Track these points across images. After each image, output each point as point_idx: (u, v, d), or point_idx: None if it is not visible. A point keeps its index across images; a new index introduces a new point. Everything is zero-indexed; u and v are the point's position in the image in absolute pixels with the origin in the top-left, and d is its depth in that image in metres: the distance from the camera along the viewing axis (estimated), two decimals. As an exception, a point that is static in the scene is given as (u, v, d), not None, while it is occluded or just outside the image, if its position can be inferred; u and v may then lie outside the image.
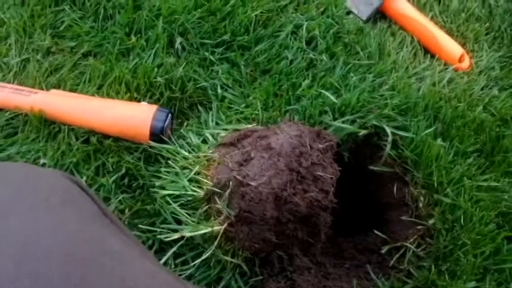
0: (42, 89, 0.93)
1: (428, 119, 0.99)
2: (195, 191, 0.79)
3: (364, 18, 1.19)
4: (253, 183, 0.73)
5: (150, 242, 0.80)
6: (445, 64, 1.17)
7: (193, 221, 0.78)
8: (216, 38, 1.03)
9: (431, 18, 1.25)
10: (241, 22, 1.04)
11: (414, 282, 0.86)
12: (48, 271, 0.40)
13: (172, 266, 0.79)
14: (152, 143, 0.87)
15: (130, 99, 0.93)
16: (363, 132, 0.92)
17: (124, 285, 0.44)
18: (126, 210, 0.83)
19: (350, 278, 0.87)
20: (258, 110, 0.92)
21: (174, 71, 0.95)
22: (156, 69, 0.95)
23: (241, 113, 0.93)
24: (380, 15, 1.24)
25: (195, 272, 0.79)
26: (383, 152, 0.93)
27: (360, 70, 1.05)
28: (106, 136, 0.88)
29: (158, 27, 1.00)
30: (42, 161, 0.85)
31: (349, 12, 1.19)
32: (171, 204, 0.80)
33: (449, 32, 1.24)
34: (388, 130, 0.93)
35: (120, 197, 0.84)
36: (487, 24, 1.28)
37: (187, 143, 0.88)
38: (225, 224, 0.75)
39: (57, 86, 0.94)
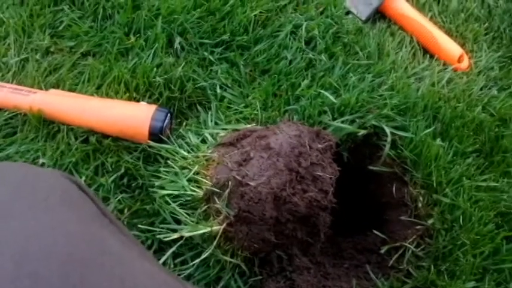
0: (41, 88, 0.93)
1: (427, 119, 0.99)
2: (194, 191, 0.79)
3: (364, 18, 1.19)
4: (252, 183, 0.73)
5: (149, 241, 0.80)
6: (444, 64, 1.17)
7: (192, 221, 0.78)
8: (215, 37, 1.03)
9: (431, 18, 1.25)
10: (241, 22, 1.04)
11: (413, 282, 0.86)
12: (47, 271, 0.40)
13: (172, 266, 0.79)
14: (151, 143, 0.87)
15: (130, 99, 0.93)
16: (362, 132, 0.92)
17: (123, 286, 0.44)
18: (125, 210, 0.83)
19: (349, 278, 0.87)
20: (257, 110, 0.92)
21: (173, 71, 0.95)
22: (155, 69, 0.95)
23: (241, 113, 0.93)
24: (379, 15, 1.24)
25: (194, 272, 0.79)
26: (382, 152, 0.93)
27: (359, 70, 1.05)
28: (105, 136, 0.88)
29: (157, 27, 1.00)
30: (41, 160, 0.85)
31: (348, 12, 1.19)
32: (170, 204, 0.80)
33: (449, 32, 1.24)
34: (387, 130, 0.93)
35: (119, 197, 0.84)
36: (486, 24, 1.28)
37: (186, 143, 0.88)
38: (224, 224, 0.75)
39: (56, 86, 0.94)
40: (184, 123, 0.93)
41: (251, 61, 1.02)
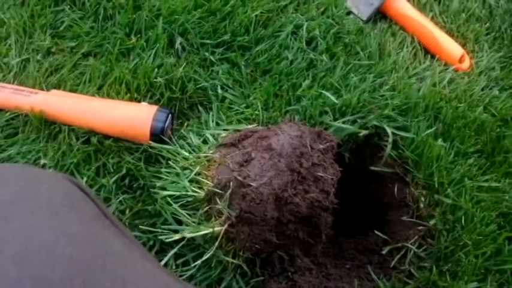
0: (42, 89, 0.93)
1: (428, 119, 0.99)
2: (195, 192, 0.79)
3: (365, 18, 1.19)
4: (253, 184, 0.73)
5: (151, 242, 0.80)
6: (446, 64, 1.17)
7: (194, 222, 0.78)
8: (216, 38, 1.03)
9: (432, 19, 1.25)
10: (242, 22, 1.04)
11: (415, 283, 0.86)
12: (50, 274, 0.40)
13: (173, 267, 0.79)
14: (153, 144, 0.87)
15: (131, 99, 0.93)
16: (363, 132, 0.92)
17: (125, 287, 0.44)
18: (127, 211, 0.83)
19: (351, 278, 0.86)
20: (259, 111, 0.92)
21: (174, 72, 0.95)
22: (156, 69, 0.94)
23: (242, 113, 0.93)
24: (380, 15, 1.24)
25: (196, 273, 0.79)
26: (384, 152, 0.93)
27: (360, 70, 1.05)
28: (106, 136, 0.88)
29: (158, 28, 1.00)
30: (42, 161, 0.85)
31: (349, 13, 1.19)
32: (171, 205, 0.80)
33: (450, 33, 1.24)
34: (389, 130, 0.93)
35: (120, 198, 0.84)
36: (487, 24, 1.28)
37: (187, 144, 0.88)
38: (226, 225, 0.75)
39: (58, 86, 0.94)
40: (185, 124, 0.93)
41: (252, 61, 1.01)
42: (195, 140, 0.87)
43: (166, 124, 0.86)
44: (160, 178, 0.84)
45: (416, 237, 0.89)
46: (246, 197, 0.73)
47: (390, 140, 0.93)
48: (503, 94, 1.13)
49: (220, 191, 0.76)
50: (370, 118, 0.93)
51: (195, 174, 0.81)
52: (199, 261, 0.78)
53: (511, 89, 1.16)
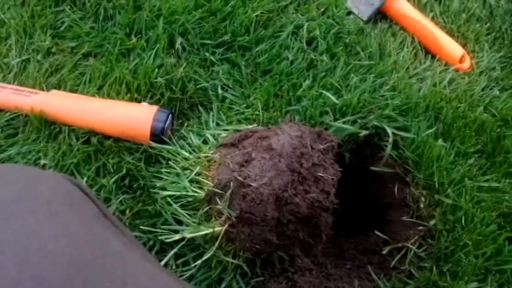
0: (42, 89, 0.93)
1: (429, 119, 0.99)
2: (195, 192, 0.79)
3: (365, 18, 1.19)
4: (254, 184, 0.73)
5: (151, 242, 0.80)
6: (446, 65, 1.17)
7: (194, 222, 0.78)
8: (217, 38, 1.03)
9: (432, 19, 1.25)
10: (242, 22, 1.04)
11: (415, 283, 0.86)
12: (50, 274, 0.40)
13: (174, 267, 0.79)
14: (153, 144, 0.87)
15: (131, 99, 0.93)
16: (363, 132, 0.92)
17: (125, 287, 0.44)
18: (127, 211, 0.83)
19: (351, 278, 0.86)
20: (259, 111, 0.92)
21: (174, 72, 0.95)
22: (156, 69, 0.95)
23: (242, 113, 0.93)
24: (381, 15, 1.24)
25: (196, 273, 0.79)
26: (384, 152, 0.93)
27: (361, 70, 1.05)
28: (107, 137, 0.88)
29: (158, 28, 1.00)
30: (42, 161, 0.85)
31: (349, 13, 1.19)
32: (171, 205, 0.80)
33: (450, 33, 1.24)
34: (389, 131, 0.93)
35: (120, 198, 0.84)
36: (488, 24, 1.28)
37: (187, 144, 0.88)
38: (226, 225, 0.75)
39: (58, 87, 0.94)
40: (185, 124, 0.93)
41: (252, 62, 1.01)
42: (195, 140, 0.87)
43: (167, 124, 0.86)
44: (160, 178, 0.84)
45: (416, 238, 0.89)
46: (246, 197, 0.73)
47: (390, 140, 0.92)
48: (504, 94, 1.13)
49: (220, 191, 0.76)
50: (371, 118, 0.93)
51: (195, 175, 0.81)
52: (199, 262, 0.78)
53: (511, 89, 1.16)
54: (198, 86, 0.96)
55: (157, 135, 0.86)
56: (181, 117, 0.95)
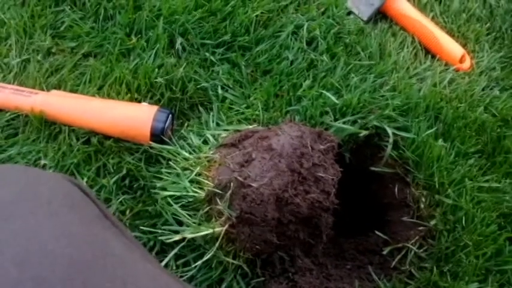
0: (42, 89, 0.93)
1: (429, 119, 0.99)
2: (196, 192, 0.79)
3: (365, 18, 1.19)
4: (254, 185, 0.73)
5: (151, 243, 0.80)
6: (446, 65, 1.17)
7: (194, 222, 0.78)
8: (217, 38, 1.02)
9: (432, 19, 1.25)
10: (242, 22, 1.04)
11: (416, 284, 0.86)
12: (50, 275, 0.40)
13: (174, 268, 0.79)
14: (153, 144, 0.86)
15: (131, 99, 0.93)
16: (364, 133, 0.92)
17: (126, 288, 0.44)
18: (127, 212, 0.83)
19: (352, 279, 0.86)
20: (259, 111, 0.92)
21: (174, 72, 0.95)
22: (156, 69, 0.94)
23: (242, 113, 0.93)
24: (381, 15, 1.24)
25: (196, 274, 0.79)
26: (384, 152, 0.93)
27: (361, 71, 1.05)
28: (107, 137, 0.88)
29: (159, 28, 1.00)
30: (43, 161, 0.85)
31: (349, 13, 1.19)
32: (172, 206, 0.79)
33: (450, 33, 1.24)
34: (389, 131, 0.93)
35: (121, 198, 0.84)
36: (488, 24, 1.28)
37: (188, 144, 0.88)
38: (226, 225, 0.75)
39: (58, 87, 0.94)
40: (185, 124, 0.93)
41: (252, 62, 1.01)
42: (196, 141, 0.87)
43: (167, 124, 0.86)
44: (160, 178, 0.84)
45: (416, 238, 0.88)
46: (246, 197, 0.73)
47: (391, 140, 0.92)
48: (504, 94, 1.13)
49: (220, 192, 0.76)
50: (371, 118, 0.93)
51: (195, 175, 0.81)
52: (199, 262, 0.77)
53: (511, 89, 1.16)
54: (198, 86, 0.96)
55: (157, 136, 0.86)
56: (181, 117, 0.95)
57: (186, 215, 0.79)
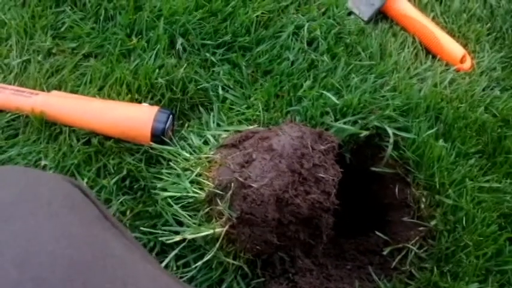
0: (43, 90, 0.93)
1: (430, 120, 0.99)
2: (196, 193, 0.79)
3: (366, 18, 1.19)
4: (254, 185, 0.73)
5: (151, 244, 0.80)
6: (447, 65, 1.17)
7: (194, 223, 0.78)
8: (217, 39, 1.02)
9: (433, 19, 1.25)
10: (242, 23, 1.04)
11: (416, 284, 0.86)
12: (50, 275, 0.40)
13: (174, 268, 0.79)
14: (153, 145, 0.86)
15: (132, 100, 0.93)
16: (364, 133, 0.92)
17: (126, 289, 0.44)
18: (128, 212, 0.83)
19: (352, 279, 0.86)
20: (260, 111, 0.92)
21: (175, 72, 0.95)
22: (157, 70, 0.94)
23: (243, 114, 0.93)
24: (381, 15, 1.24)
25: (196, 274, 0.79)
26: (385, 153, 0.93)
27: (362, 71, 1.05)
28: (107, 137, 0.88)
29: (159, 28, 1.00)
30: (43, 162, 0.85)
31: (350, 13, 1.19)
32: (172, 206, 0.80)
33: (451, 33, 1.24)
34: (390, 131, 0.93)
35: (121, 199, 0.84)
36: (489, 24, 1.28)
37: (188, 145, 0.88)
38: (227, 226, 0.75)
39: (58, 87, 0.94)
40: (186, 125, 0.93)
41: (253, 62, 1.01)
42: (196, 141, 0.87)
43: (167, 125, 0.86)
44: (161, 179, 0.84)
45: (417, 238, 0.88)
46: (246, 198, 0.73)
47: (391, 140, 0.92)
48: (505, 94, 1.13)
49: (221, 192, 0.76)
50: (371, 119, 0.93)
51: (195, 175, 0.81)
52: (200, 263, 0.78)
53: (512, 90, 1.16)
54: (198, 87, 0.96)
55: (157, 136, 0.86)
56: (181, 117, 0.95)
57: (187, 216, 0.79)
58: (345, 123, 0.92)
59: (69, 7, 1.04)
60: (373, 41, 1.13)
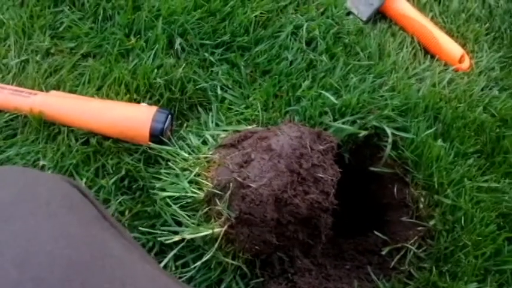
0: (41, 90, 0.93)
1: (428, 119, 0.99)
2: (195, 193, 0.79)
3: (364, 18, 1.19)
4: (253, 185, 0.73)
5: (150, 244, 0.80)
6: (445, 65, 1.17)
7: (193, 223, 0.78)
8: (216, 38, 1.02)
9: (432, 19, 1.25)
10: (241, 23, 1.04)
11: (415, 284, 0.86)
12: (49, 275, 0.40)
13: (173, 268, 0.79)
14: (152, 145, 0.86)
15: (130, 100, 0.93)
16: (363, 133, 0.92)
17: (124, 289, 0.44)
18: (126, 212, 0.83)
19: (351, 279, 0.86)
20: (258, 111, 0.92)
21: (173, 72, 0.95)
22: (155, 70, 0.94)
23: (241, 114, 0.93)
24: (380, 15, 1.24)
25: (195, 274, 0.79)
26: (383, 153, 0.93)
27: (360, 71, 1.05)
28: (106, 137, 0.88)
29: (158, 28, 0.99)
30: (41, 162, 0.85)
31: (349, 13, 1.19)
32: (171, 206, 0.79)
33: (450, 33, 1.24)
34: (389, 131, 0.93)
35: (120, 199, 0.84)
36: (487, 24, 1.28)
37: (187, 144, 0.88)
38: (226, 226, 0.75)
39: (57, 87, 0.94)
40: (185, 125, 0.93)
41: (252, 62, 1.01)
42: (195, 141, 0.87)
43: (166, 125, 0.86)
44: (159, 179, 0.84)
45: (416, 238, 0.88)
46: (245, 198, 0.73)
47: (390, 140, 0.92)
48: (503, 94, 1.13)
49: (219, 192, 0.76)
50: (370, 119, 0.93)
51: (194, 175, 0.81)
52: (198, 263, 0.77)
53: (510, 89, 1.16)
54: (197, 87, 0.96)
55: (156, 136, 0.86)
56: (180, 117, 0.95)
57: (185, 216, 0.79)
58: (343, 123, 0.92)
59: (68, 7, 1.04)
60: (371, 41, 1.13)
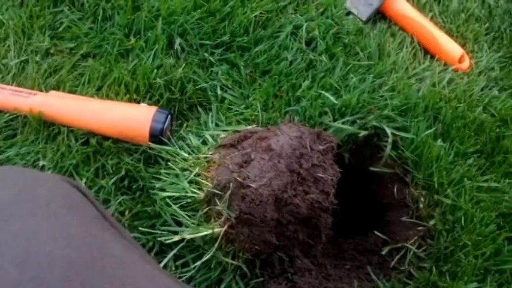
0: (41, 90, 0.93)
1: (428, 119, 0.99)
2: (195, 193, 0.79)
3: (364, 18, 1.19)
4: (253, 185, 0.73)
5: (150, 244, 0.80)
6: (445, 65, 1.17)
7: (193, 223, 0.78)
8: (216, 38, 1.02)
9: (431, 19, 1.25)
10: (241, 23, 1.04)
11: (415, 284, 0.86)
12: (49, 276, 0.40)
13: (173, 268, 0.79)
14: (152, 145, 0.86)
15: (130, 100, 0.93)
16: (363, 133, 0.92)
17: (124, 289, 0.44)
18: (126, 212, 0.83)
19: (351, 279, 0.86)
20: (258, 111, 0.92)
21: (173, 72, 0.95)
22: (155, 70, 0.94)
23: (241, 114, 0.93)
24: (380, 15, 1.24)
25: (195, 274, 0.79)
26: (383, 153, 0.93)
27: (360, 71, 1.05)
28: (105, 138, 0.88)
29: (157, 28, 0.99)
30: (41, 162, 0.85)
31: (348, 13, 1.19)
32: (171, 206, 0.79)
33: (449, 33, 1.24)
34: (389, 131, 0.93)
35: (120, 199, 0.83)
36: (487, 24, 1.28)
37: (187, 145, 0.88)
38: (226, 226, 0.75)
39: (57, 88, 0.94)
40: (184, 125, 0.93)
41: (251, 62, 1.01)
42: (195, 141, 0.87)
43: (166, 125, 0.86)
44: (159, 179, 0.84)
45: (416, 238, 0.88)
46: (245, 198, 0.73)
47: (390, 140, 0.92)
48: (503, 94, 1.13)
49: (219, 192, 0.76)
50: (370, 119, 0.93)
51: (194, 175, 0.81)
52: (198, 263, 0.77)
53: (510, 89, 1.16)
54: (197, 87, 0.96)
55: (156, 136, 0.86)
56: (180, 117, 0.95)
57: (185, 216, 0.79)
58: (343, 123, 0.92)
59: (67, 7, 1.04)
60: (371, 41, 1.13)
